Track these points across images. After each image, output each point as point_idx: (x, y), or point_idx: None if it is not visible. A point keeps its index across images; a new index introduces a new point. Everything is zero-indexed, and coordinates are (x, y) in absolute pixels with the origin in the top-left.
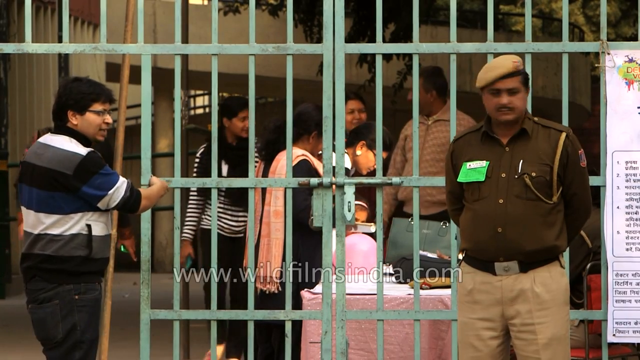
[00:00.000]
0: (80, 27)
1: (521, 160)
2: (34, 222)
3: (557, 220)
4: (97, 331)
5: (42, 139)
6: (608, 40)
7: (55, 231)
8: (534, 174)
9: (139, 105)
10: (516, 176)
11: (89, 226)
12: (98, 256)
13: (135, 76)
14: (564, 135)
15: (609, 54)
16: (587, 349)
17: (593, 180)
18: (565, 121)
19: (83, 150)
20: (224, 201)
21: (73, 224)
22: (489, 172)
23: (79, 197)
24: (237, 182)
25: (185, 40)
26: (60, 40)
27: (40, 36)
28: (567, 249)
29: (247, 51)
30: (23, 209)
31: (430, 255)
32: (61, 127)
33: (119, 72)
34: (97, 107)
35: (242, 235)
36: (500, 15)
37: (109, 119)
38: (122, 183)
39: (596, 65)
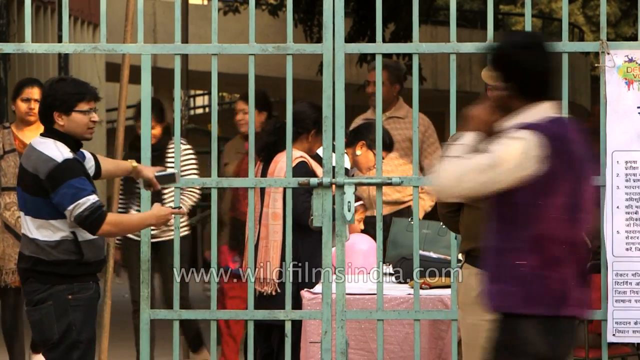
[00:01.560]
0: (80, 27)
1: None
2: (24, 225)
3: None
4: (94, 330)
5: (32, 142)
6: (608, 40)
7: (40, 236)
8: None
9: (139, 105)
10: None
11: (73, 232)
12: (92, 260)
13: (135, 76)
14: None
15: (608, 53)
16: (587, 349)
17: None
18: None
19: (60, 157)
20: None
21: (55, 231)
22: None
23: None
24: (238, 182)
25: (185, 40)
26: (60, 40)
27: (40, 36)
28: None
29: (246, 51)
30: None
31: (430, 254)
32: (49, 130)
33: (119, 72)
34: (83, 106)
35: (164, 239)
36: (500, 15)
37: (95, 117)
38: (86, 201)
39: (596, 65)
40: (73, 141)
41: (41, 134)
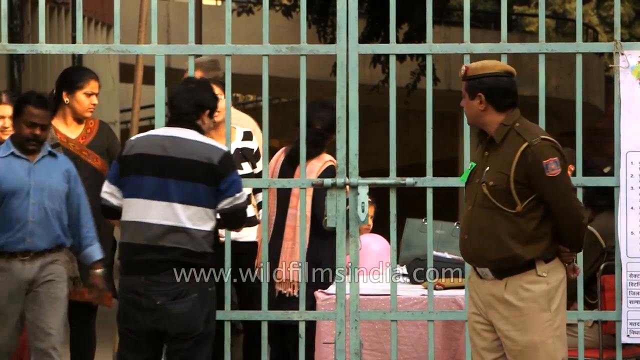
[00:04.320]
0: (94, 28)
1: (487, 168)
2: (163, 213)
3: (525, 229)
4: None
5: (162, 132)
6: (622, 40)
7: (192, 225)
8: (491, 183)
9: (152, 106)
10: (482, 184)
11: (216, 225)
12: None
13: (148, 77)
14: (525, 145)
15: (622, 54)
16: (601, 350)
17: (607, 181)
18: (578, 121)
19: (224, 146)
20: None
21: (208, 220)
22: (471, 177)
23: (215, 192)
24: (251, 183)
25: (198, 40)
26: (74, 41)
27: (54, 37)
28: (583, 250)
29: (260, 52)
30: (132, 200)
31: (444, 255)
32: (190, 123)
33: (133, 73)
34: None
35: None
36: (514, 15)
37: None
38: (245, 193)
39: (610, 65)
40: None
41: (173, 126)
